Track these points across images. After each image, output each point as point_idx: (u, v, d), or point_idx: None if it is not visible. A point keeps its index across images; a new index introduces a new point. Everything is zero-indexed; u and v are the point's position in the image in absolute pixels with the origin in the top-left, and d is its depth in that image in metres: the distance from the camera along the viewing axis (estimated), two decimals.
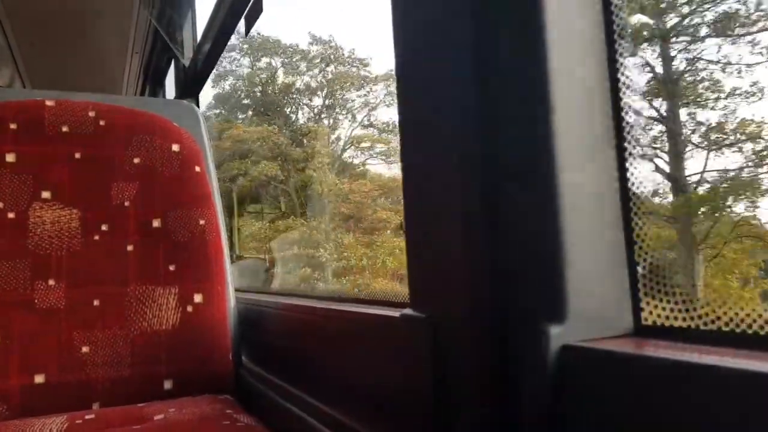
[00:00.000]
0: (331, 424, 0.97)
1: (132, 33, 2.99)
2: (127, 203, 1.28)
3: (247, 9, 1.77)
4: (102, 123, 1.31)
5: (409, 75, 0.76)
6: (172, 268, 1.27)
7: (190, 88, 2.31)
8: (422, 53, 0.73)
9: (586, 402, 0.52)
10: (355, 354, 0.94)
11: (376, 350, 0.87)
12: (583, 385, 0.52)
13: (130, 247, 1.26)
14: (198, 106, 2.30)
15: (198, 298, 1.26)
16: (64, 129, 1.28)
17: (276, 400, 1.18)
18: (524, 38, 0.60)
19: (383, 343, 0.84)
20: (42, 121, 1.27)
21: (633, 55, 0.61)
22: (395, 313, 0.79)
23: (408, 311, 0.74)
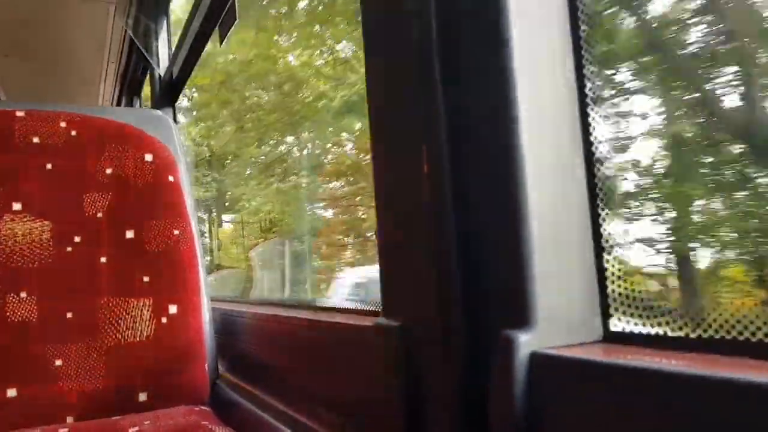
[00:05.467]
0: None
1: (107, 42, 2.97)
2: (99, 214, 1.26)
3: (222, 17, 1.76)
4: (73, 133, 1.29)
5: (378, 85, 0.76)
6: (146, 279, 1.25)
7: (165, 97, 2.30)
8: (392, 68, 0.73)
9: (555, 408, 0.52)
10: (330, 363, 0.94)
11: (351, 359, 0.87)
12: (552, 392, 0.52)
13: (103, 259, 1.25)
14: (174, 115, 2.29)
15: (173, 309, 1.25)
16: (35, 140, 1.26)
17: (253, 411, 1.17)
18: (488, 38, 0.60)
19: (358, 351, 0.84)
20: (12, 132, 1.25)
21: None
22: (369, 321, 0.79)
23: (381, 320, 0.73)
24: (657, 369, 0.45)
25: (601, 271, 0.58)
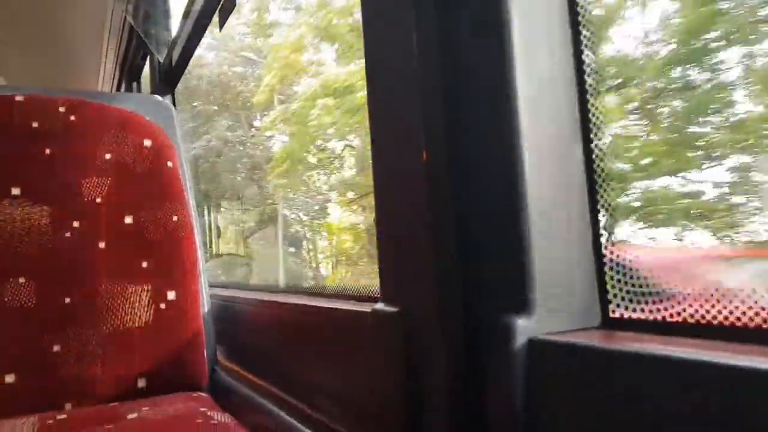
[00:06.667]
0: (306, 421, 0.97)
1: (107, 28, 2.96)
2: (98, 200, 1.26)
3: (221, 3, 1.75)
4: (72, 118, 1.29)
5: (378, 74, 0.76)
6: (144, 265, 1.25)
7: (165, 82, 2.29)
8: (390, 54, 0.72)
9: (553, 394, 0.52)
10: (328, 349, 0.94)
11: (350, 345, 0.87)
12: (550, 377, 0.52)
13: (101, 245, 1.24)
14: (174, 101, 2.28)
15: (171, 295, 1.25)
16: (34, 125, 1.26)
17: (251, 398, 1.17)
18: (487, 32, 0.60)
19: (356, 337, 0.84)
20: (11, 117, 1.25)
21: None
22: (367, 307, 0.79)
23: (379, 306, 0.73)
24: (656, 354, 0.44)
25: (600, 256, 0.58)
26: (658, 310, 0.53)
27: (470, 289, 0.61)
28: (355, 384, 0.85)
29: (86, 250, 1.24)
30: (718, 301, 0.48)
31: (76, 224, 1.24)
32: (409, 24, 0.68)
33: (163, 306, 1.24)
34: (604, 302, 0.58)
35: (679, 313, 0.51)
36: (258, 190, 12.32)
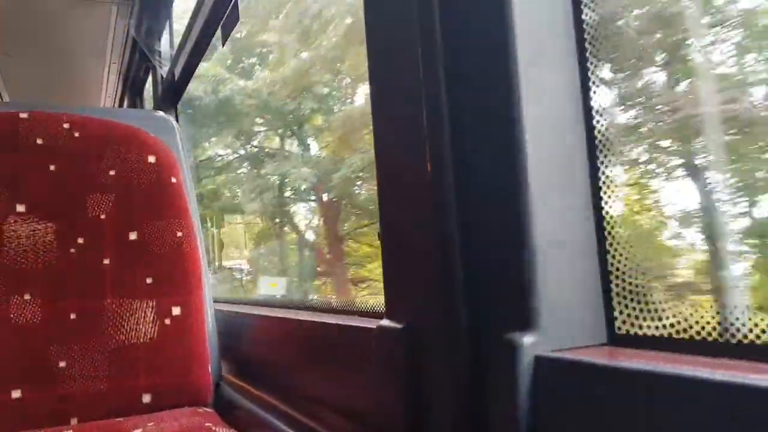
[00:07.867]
0: None
1: (110, 43, 2.97)
2: (103, 216, 1.26)
3: (224, 18, 1.76)
4: (77, 135, 1.29)
5: (383, 87, 0.76)
6: (149, 280, 1.26)
7: (168, 97, 2.29)
8: (395, 66, 0.73)
9: (559, 412, 0.52)
10: (333, 365, 0.94)
11: (355, 361, 0.87)
12: (556, 395, 0.52)
13: (106, 261, 1.25)
14: (177, 116, 2.29)
15: (176, 310, 1.25)
16: (39, 141, 1.26)
17: (256, 413, 1.17)
18: (492, 43, 0.60)
19: (361, 353, 0.84)
20: (16, 133, 1.25)
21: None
22: (372, 324, 0.79)
23: (384, 322, 0.73)
24: (663, 372, 0.44)
25: (605, 272, 0.58)
26: (665, 327, 0.53)
27: (475, 306, 0.61)
28: (360, 400, 0.85)
29: (91, 266, 1.24)
30: (725, 318, 0.48)
31: (80, 240, 1.25)
32: (413, 34, 0.68)
33: (167, 321, 1.24)
34: (610, 319, 0.58)
35: (686, 330, 0.51)
36: None
